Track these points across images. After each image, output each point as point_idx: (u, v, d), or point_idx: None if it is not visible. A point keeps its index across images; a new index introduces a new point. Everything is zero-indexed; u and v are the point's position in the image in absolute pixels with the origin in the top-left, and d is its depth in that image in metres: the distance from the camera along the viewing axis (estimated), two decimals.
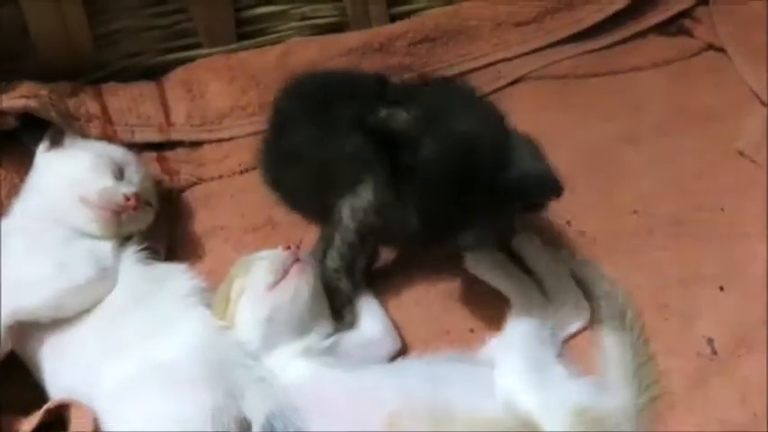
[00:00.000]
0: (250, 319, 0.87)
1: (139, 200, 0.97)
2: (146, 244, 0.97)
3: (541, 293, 0.95)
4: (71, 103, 1.13)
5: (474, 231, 0.85)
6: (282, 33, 1.31)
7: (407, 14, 1.33)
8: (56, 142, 1.03)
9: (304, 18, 1.31)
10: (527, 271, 0.97)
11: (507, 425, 0.79)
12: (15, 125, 1.07)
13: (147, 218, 1.00)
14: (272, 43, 1.29)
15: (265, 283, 0.87)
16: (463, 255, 0.95)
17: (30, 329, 0.88)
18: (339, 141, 0.92)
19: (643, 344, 0.91)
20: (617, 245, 1.02)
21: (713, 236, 1.02)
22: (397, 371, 0.88)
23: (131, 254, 0.95)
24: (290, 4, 1.30)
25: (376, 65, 1.24)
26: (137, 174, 1.00)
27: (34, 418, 0.83)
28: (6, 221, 0.96)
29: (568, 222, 1.04)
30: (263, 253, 0.92)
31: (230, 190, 1.15)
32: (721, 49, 1.30)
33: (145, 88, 1.22)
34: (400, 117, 0.84)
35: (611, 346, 0.90)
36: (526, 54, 1.32)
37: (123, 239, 0.96)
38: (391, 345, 0.93)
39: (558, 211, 0.86)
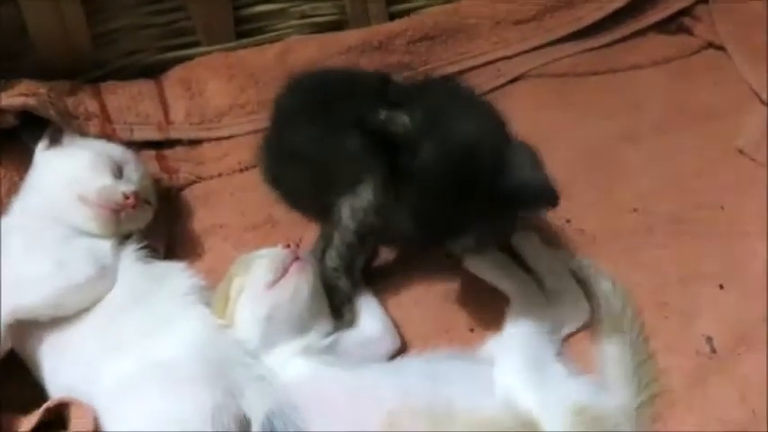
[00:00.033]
0: (249, 318, 0.87)
1: (138, 198, 0.97)
2: (145, 242, 0.97)
3: (541, 292, 0.95)
4: (70, 102, 1.13)
5: (468, 237, 0.85)
6: (281, 31, 1.31)
7: (407, 12, 1.33)
8: (55, 141, 1.04)
9: (303, 16, 1.31)
10: (527, 270, 0.97)
11: (507, 423, 0.79)
12: (15, 123, 1.07)
13: (146, 216, 1.00)
14: (272, 41, 1.29)
15: (265, 281, 0.87)
16: (461, 256, 0.95)
17: (29, 328, 0.88)
18: (340, 141, 0.92)
19: (642, 342, 0.91)
20: (617, 243, 1.02)
21: (713, 234, 1.02)
22: (396, 369, 0.88)
23: (131, 252, 0.95)
24: (290, 3, 1.30)
25: (375, 63, 1.24)
26: (136, 172, 1.00)
27: (34, 417, 0.83)
28: (6, 220, 0.96)
29: (568, 221, 1.04)
30: (263, 251, 0.92)
31: (230, 188, 1.15)
32: (721, 48, 1.30)
33: (144, 86, 1.22)
34: (400, 120, 0.84)
35: (610, 345, 0.90)
36: (526, 52, 1.31)
37: (122, 238, 0.96)
38: (391, 343, 0.93)
39: (557, 210, 0.85)
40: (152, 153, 1.17)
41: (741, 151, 1.13)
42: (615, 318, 0.93)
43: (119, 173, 0.98)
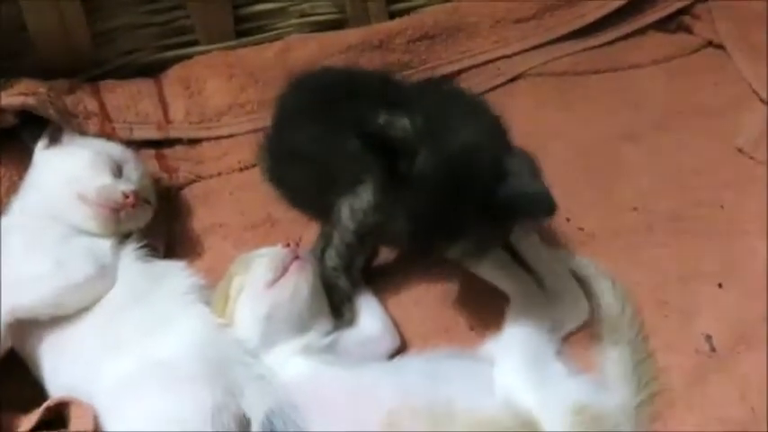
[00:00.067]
0: (249, 317, 0.87)
1: (138, 197, 0.97)
2: (145, 241, 0.97)
3: (541, 291, 0.95)
4: (69, 101, 1.13)
5: (463, 245, 0.85)
6: (281, 30, 1.30)
7: (406, 11, 1.32)
8: (54, 140, 1.04)
9: (303, 15, 1.31)
10: (526, 268, 0.97)
11: (507, 423, 0.79)
12: (14, 122, 1.07)
13: (145, 215, 1.00)
14: (271, 40, 1.29)
15: (265, 280, 0.87)
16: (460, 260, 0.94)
17: (29, 327, 0.88)
18: (341, 141, 0.92)
19: (642, 341, 0.91)
20: (616, 242, 1.02)
21: (713, 233, 1.02)
22: (396, 368, 0.88)
23: (130, 251, 0.95)
24: (289, 1, 1.30)
25: (375, 62, 1.24)
26: (135, 171, 1.00)
27: (34, 416, 0.83)
28: (5, 219, 0.96)
29: (568, 219, 1.04)
30: (263, 250, 0.92)
31: (229, 187, 1.15)
32: (721, 46, 1.30)
33: (143, 85, 1.22)
34: (399, 124, 0.84)
35: (610, 344, 0.90)
36: (526, 51, 1.31)
37: (122, 237, 0.96)
38: (390, 342, 0.93)
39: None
40: (151, 152, 1.17)
41: (741, 150, 1.13)
42: (615, 317, 0.93)
43: (118, 172, 0.98)
